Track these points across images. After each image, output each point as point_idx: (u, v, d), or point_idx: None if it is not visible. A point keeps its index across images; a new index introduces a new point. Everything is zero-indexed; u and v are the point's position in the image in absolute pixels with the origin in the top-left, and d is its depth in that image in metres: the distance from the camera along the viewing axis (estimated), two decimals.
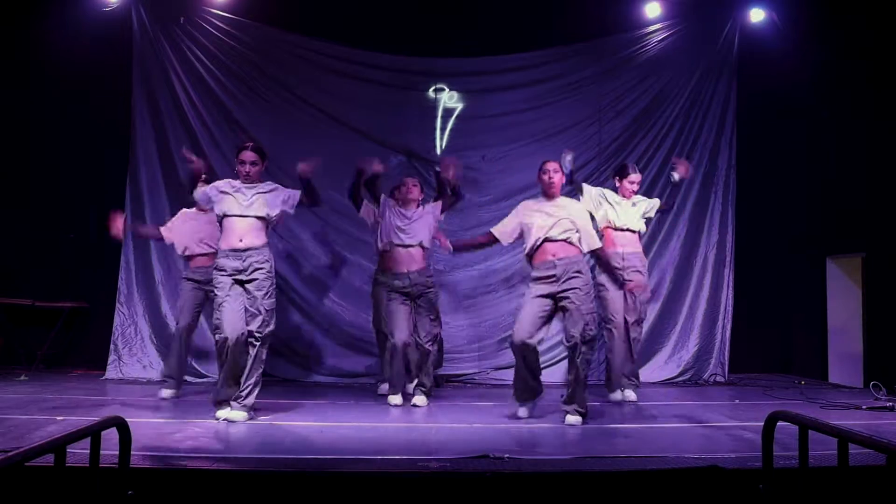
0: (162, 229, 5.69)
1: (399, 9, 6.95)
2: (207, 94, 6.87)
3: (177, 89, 6.81)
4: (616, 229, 5.58)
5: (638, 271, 5.58)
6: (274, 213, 4.54)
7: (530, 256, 4.59)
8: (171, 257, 6.70)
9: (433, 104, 7.08)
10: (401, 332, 5.13)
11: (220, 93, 6.86)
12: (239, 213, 4.44)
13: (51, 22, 6.68)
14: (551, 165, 4.65)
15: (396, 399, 5.15)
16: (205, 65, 6.88)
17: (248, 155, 4.52)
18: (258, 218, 4.47)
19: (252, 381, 4.39)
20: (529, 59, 7.13)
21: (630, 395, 5.61)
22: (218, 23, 6.91)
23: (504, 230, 4.74)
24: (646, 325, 6.87)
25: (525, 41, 7.12)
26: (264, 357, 4.51)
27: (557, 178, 4.62)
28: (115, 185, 6.77)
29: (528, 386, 4.55)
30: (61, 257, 6.91)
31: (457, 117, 7.07)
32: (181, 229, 5.59)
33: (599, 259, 4.97)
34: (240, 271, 4.39)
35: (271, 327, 4.49)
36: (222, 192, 4.51)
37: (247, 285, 4.41)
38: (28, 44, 6.85)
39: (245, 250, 4.40)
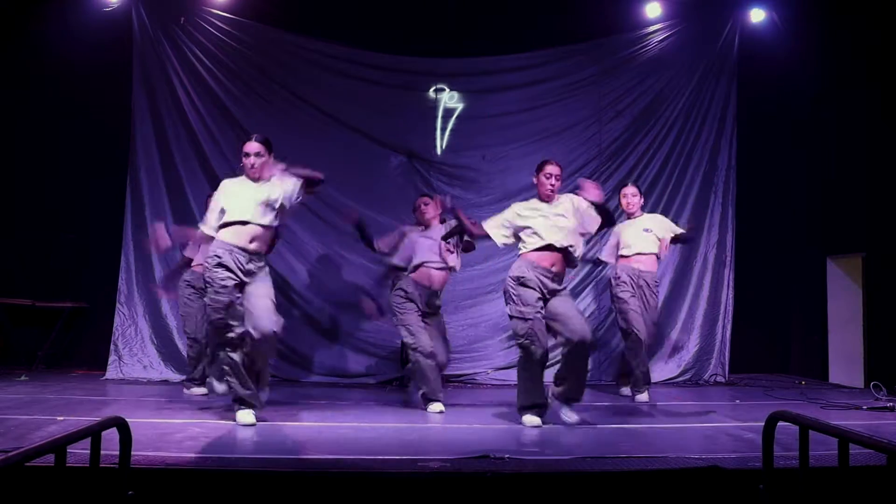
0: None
1: (399, 9, 6.95)
2: (207, 94, 6.87)
3: (177, 89, 6.81)
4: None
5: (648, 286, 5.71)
6: (277, 218, 4.33)
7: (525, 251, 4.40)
8: (171, 257, 6.69)
9: (433, 104, 7.08)
10: (427, 340, 4.96)
11: (221, 93, 6.86)
12: (249, 220, 4.19)
13: (51, 22, 6.68)
14: (554, 169, 4.39)
15: (438, 406, 4.86)
16: (205, 65, 6.88)
17: (253, 146, 4.26)
18: (264, 227, 4.25)
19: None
20: (530, 60, 7.14)
21: (644, 396, 5.63)
22: (218, 23, 6.91)
23: (497, 231, 4.48)
24: None
25: (525, 41, 7.12)
26: None
27: (558, 186, 4.41)
28: (115, 185, 6.77)
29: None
30: (61, 257, 6.91)
31: (457, 117, 7.08)
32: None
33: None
34: (244, 272, 4.19)
35: None
36: (225, 185, 4.37)
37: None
38: (28, 44, 6.86)
39: (254, 253, 4.24)
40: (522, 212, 4.43)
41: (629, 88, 7.14)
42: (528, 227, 4.36)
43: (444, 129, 7.07)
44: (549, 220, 4.34)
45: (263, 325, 4.09)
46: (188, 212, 6.50)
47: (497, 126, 7.05)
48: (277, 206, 4.27)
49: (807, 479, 2.57)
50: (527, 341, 4.21)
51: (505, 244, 4.55)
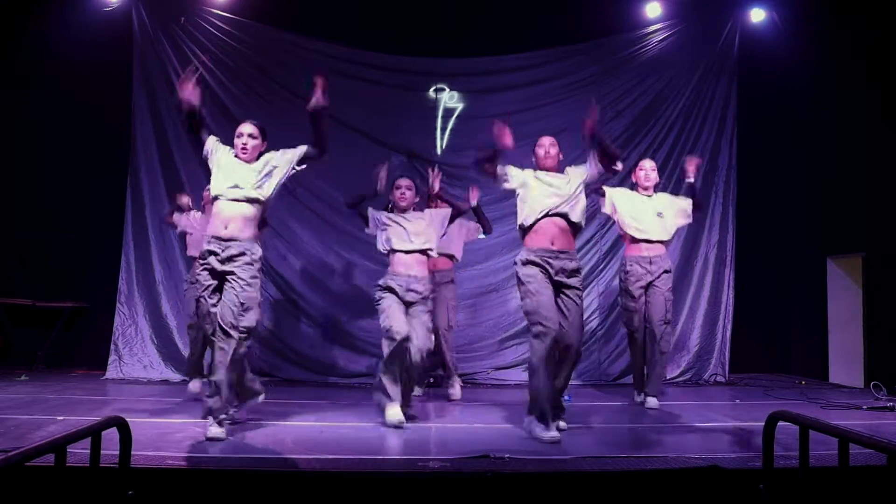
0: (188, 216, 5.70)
1: (399, 9, 6.96)
2: (207, 93, 6.85)
3: (177, 89, 6.80)
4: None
5: (667, 271, 5.22)
6: (272, 190, 4.06)
7: (525, 232, 4.25)
8: (171, 257, 6.71)
9: (434, 104, 7.09)
10: (400, 325, 4.42)
11: (221, 92, 6.87)
12: (230, 197, 3.97)
13: (51, 22, 6.69)
14: (544, 140, 4.33)
15: (394, 413, 4.27)
16: (205, 65, 6.88)
17: (248, 126, 4.09)
18: (249, 201, 3.99)
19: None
20: (530, 60, 7.15)
21: (651, 401, 5.15)
22: (218, 22, 6.92)
23: (510, 171, 4.34)
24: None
25: (525, 41, 7.13)
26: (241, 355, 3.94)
27: (554, 152, 4.28)
28: (115, 185, 6.78)
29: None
30: (61, 257, 6.92)
31: (457, 117, 7.09)
32: (196, 230, 5.59)
33: None
34: (221, 262, 3.93)
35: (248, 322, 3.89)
36: (222, 151, 4.13)
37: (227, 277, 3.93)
38: (28, 44, 6.86)
39: (227, 240, 3.95)
40: (530, 173, 4.32)
41: (629, 88, 7.15)
42: (531, 190, 4.22)
43: (444, 129, 7.08)
44: (554, 190, 4.20)
45: (221, 317, 3.86)
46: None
47: None
48: (269, 178, 4.04)
49: (807, 479, 2.57)
50: (534, 320, 3.95)
51: (506, 187, 4.37)
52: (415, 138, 7.02)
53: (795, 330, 7.48)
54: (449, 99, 7.10)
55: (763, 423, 2.74)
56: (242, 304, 3.88)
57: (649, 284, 5.17)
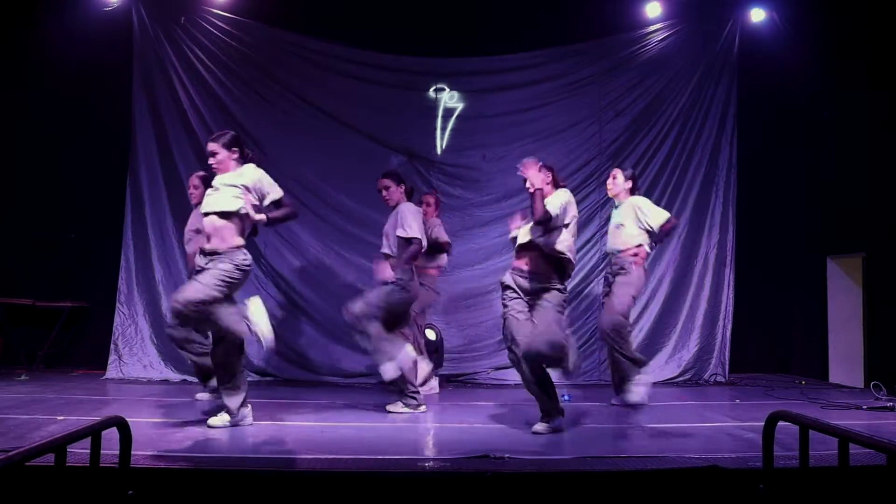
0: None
1: (399, 9, 6.96)
2: (208, 93, 6.88)
3: (177, 89, 6.82)
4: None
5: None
6: (241, 206, 3.97)
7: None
8: (171, 257, 6.71)
9: (434, 104, 7.09)
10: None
11: (221, 92, 6.87)
12: (206, 210, 4.02)
13: (51, 22, 6.68)
14: (532, 176, 4.28)
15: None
16: (205, 64, 6.89)
17: (209, 146, 4.14)
18: (222, 215, 3.96)
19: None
20: (530, 59, 7.14)
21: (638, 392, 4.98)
22: (218, 22, 6.92)
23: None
24: (647, 325, 6.89)
25: (525, 41, 7.12)
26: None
27: (531, 189, 4.24)
28: (115, 185, 6.78)
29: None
30: (61, 257, 6.91)
31: (457, 117, 7.08)
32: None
33: None
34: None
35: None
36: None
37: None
38: (28, 44, 6.85)
39: (210, 253, 3.97)
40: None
41: (629, 88, 7.14)
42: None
43: (444, 129, 7.08)
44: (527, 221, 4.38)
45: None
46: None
47: (497, 126, 7.04)
48: (237, 192, 3.99)
49: (807, 479, 2.57)
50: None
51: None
52: (415, 138, 7.02)
53: (795, 330, 7.48)
54: (449, 99, 7.10)
55: (763, 423, 2.74)
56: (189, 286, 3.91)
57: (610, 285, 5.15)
